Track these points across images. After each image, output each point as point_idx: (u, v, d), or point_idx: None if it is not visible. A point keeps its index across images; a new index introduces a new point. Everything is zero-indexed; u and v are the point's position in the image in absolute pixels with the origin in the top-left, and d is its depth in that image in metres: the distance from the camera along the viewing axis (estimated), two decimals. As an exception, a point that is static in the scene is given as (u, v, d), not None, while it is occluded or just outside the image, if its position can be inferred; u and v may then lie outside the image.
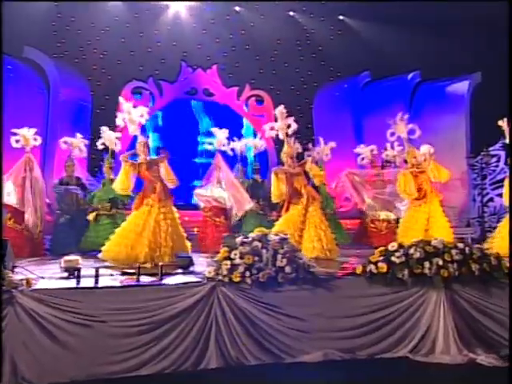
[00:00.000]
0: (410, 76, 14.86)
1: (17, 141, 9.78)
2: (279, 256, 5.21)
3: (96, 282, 5.06)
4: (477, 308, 5.56)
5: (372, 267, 5.48)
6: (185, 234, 7.40)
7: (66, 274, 5.43)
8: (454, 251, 5.57)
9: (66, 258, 5.55)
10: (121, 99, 8.29)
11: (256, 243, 5.23)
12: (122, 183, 7.46)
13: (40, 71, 13.88)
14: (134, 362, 4.80)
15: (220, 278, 5.09)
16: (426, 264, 5.46)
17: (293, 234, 7.65)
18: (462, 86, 14.25)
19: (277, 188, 8.08)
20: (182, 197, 11.69)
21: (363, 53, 16.41)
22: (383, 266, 5.46)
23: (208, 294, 5.05)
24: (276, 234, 5.47)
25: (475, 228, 12.97)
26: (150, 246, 6.89)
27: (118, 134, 10.90)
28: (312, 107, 16.61)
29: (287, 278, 5.19)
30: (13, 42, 13.43)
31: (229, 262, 5.12)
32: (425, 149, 9.09)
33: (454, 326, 5.42)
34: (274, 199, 8.27)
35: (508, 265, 5.70)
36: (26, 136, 9.75)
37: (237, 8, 16.69)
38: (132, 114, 7.72)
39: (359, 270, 5.54)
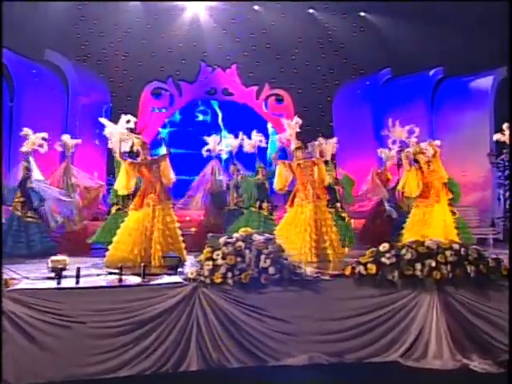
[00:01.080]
0: (431, 72, 14.50)
1: (60, 145, 10.42)
2: (263, 256, 5.09)
3: (77, 282, 5.04)
4: (473, 311, 5.36)
5: (361, 268, 5.32)
6: (181, 238, 7.31)
7: (52, 274, 5.40)
8: (448, 252, 5.37)
9: (53, 257, 5.53)
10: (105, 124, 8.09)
11: (239, 243, 5.13)
12: (122, 182, 7.44)
13: (60, 73, 14.06)
14: (113, 363, 4.75)
15: (202, 278, 5.01)
16: (418, 265, 5.28)
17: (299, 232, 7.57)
18: (485, 82, 13.84)
19: (279, 177, 8.07)
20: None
21: (386, 50, 16.20)
22: (372, 267, 5.30)
23: (189, 295, 4.97)
24: (261, 234, 5.36)
25: (499, 228, 12.57)
26: (147, 249, 6.86)
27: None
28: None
29: (271, 279, 5.08)
30: (34, 45, 13.72)
31: (211, 263, 5.04)
32: (427, 143, 8.87)
33: (448, 330, 5.23)
34: (275, 188, 8.38)
35: (505, 267, 5.47)
36: (68, 142, 10.18)
37: (256, 7, 16.60)
38: (117, 129, 7.66)
39: (348, 271, 5.39)
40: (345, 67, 17.37)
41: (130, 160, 7.46)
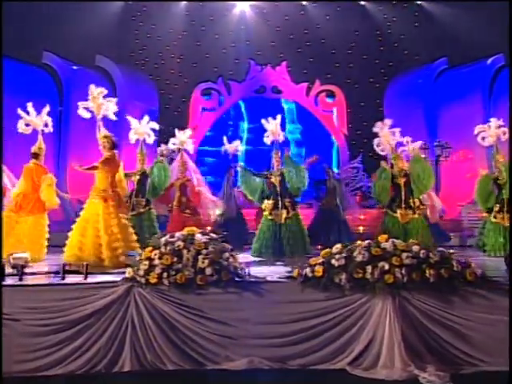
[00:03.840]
0: (490, 60, 13.57)
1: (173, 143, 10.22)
2: (201, 257, 4.96)
3: (20, 279, 5.15)
4: (434, 319, 4.95)
5: (307, 270, 5.05)
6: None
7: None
8: (404, 254, 4.97)
9: (15, 255, 5.68)
10: None
11: (179, 243, 5.03)
12: None
13: (108, 78, 14.57)
14: (46, 361, 4.79)
15: (138, 278, 4.96)
16: (369, 268, 4.93)
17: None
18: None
19: None
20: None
21: (450, 39, 15.40)
22: (319, 270, 5.01)
23: (124, 295, 4.93)
24: (205, 234, 5.23)
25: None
26: None
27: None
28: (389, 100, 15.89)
29: (207, 280, 4.93)
30: (87, 52, 14.28)
31: (147, 263, 4.97)
32: None
33: (403, 338, 4.83)
34: None
35: (471, 272, 4.99)
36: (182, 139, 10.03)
37: (304, 2, 16.36)
38: None
39: (295, 273, 5.14)
40: (405, 59, 16.73)
41: None
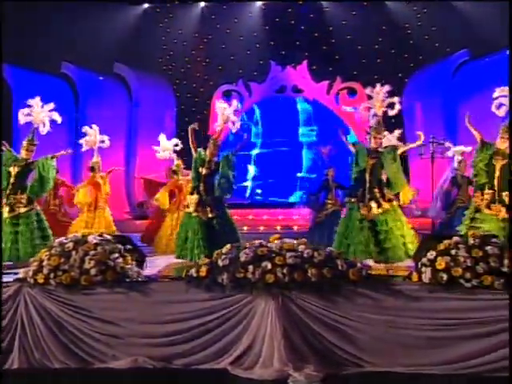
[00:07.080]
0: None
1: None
2: (87, 258, 5.04)
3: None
4: (319, 320, 4.80)
5: (193, 270, 5.03)
6: None
7: None
8: (288, 254, 4.84)
9: None
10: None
11: (69, 244, 5.14)
12: None
13: (126, 85, 15.01)
14: None
15: (28, 278, 5.11)
16: (250, 268, 4.83)
17: None
18: None
19: None
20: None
21: (480, 31, 14.70)
22: (203, 270, 4.98)
23: (14, 295, 5.09)
24: (101, 236, 5.31)
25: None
26: None
27: None
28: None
29: (92, 281, 5.00)
30: (105, 60, 14.74)
31: (37, 263, 5.13)
32: None
33: (284, 338, 4.71)
34: None
35: (354, 272, 4.80)
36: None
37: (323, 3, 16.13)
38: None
39: (183, 272, 5.13)
40: (437, 52, 16.10)
41: None
